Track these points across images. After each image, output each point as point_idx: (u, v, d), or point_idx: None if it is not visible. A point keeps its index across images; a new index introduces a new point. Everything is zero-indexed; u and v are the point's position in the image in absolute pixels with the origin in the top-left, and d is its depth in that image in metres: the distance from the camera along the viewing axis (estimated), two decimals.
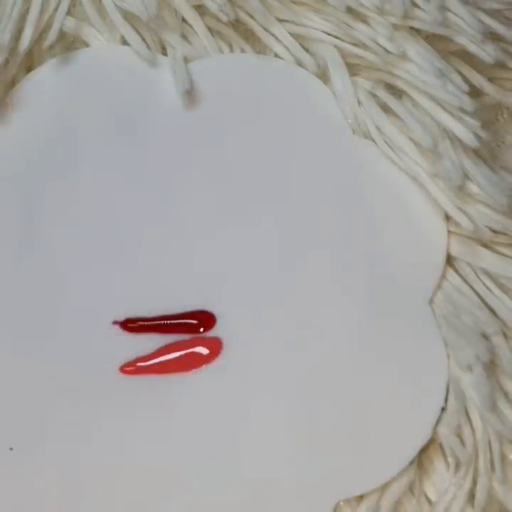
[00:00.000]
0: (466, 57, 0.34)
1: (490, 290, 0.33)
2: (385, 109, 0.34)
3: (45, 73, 0.35)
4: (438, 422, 0.32)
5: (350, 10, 0.34)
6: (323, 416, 0.32)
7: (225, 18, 0.34)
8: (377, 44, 0.34)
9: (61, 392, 0.32)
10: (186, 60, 0.35)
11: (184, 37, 0.35)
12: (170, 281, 0.34)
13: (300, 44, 0.35)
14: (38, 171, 0.34)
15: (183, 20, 0.35)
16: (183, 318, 0.33)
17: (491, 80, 0.35)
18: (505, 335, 0.32)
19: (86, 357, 0.33)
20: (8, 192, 0.34)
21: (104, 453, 0.32)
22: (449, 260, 0.34)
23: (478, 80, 0.35)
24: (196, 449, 0.32)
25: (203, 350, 0.33)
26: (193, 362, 0.33)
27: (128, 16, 0.35)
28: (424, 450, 0.32)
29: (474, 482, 0.31)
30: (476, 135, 0.32)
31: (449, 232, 0.34)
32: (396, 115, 0.34)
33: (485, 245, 0.33)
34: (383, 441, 0.32)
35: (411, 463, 0.31)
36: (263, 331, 0.33)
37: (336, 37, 0.35)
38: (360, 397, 0.32)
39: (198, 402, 0.32)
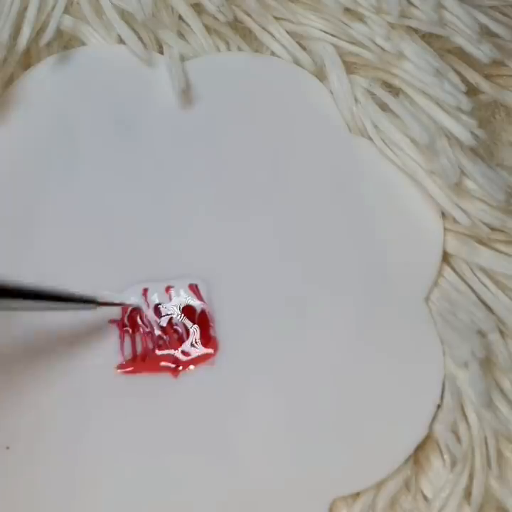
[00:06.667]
0: (463, 54, 0.34)
1: (486, 287, 0.33)
2: (383, 107, 0.34)
3: (42, 71, 0.35)
4: (434, 419, 0.32)
5: (347, 9, 0.34)
6: (320, 414, 0.32)
7: (223, 19, 0.35)
8: (374, 43, 0.34)
9: (58, 390, 0.32)
10: (183, 58, 0.35)
11: (181, 35, 0.35)
12: (167, 280, 0.34)
13: (297, 42, 0.35)
14: (36, 169, 0.34)
15: (180, 18, 0.35)
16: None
17: (487, 77, 0.35)
18: (501, 332, 0.32)
19: (83, 356, 0.33)
20: (7, 188, 0.34)
21: (101, 452, 0.32)
22: (446, 257, 0.34)
23: (475, 77, 0.35)
24: (194, 447, 0.32)
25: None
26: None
27: (125, 15, 0.35)
28: (420, 447, 0.32)
29: (471, 479, 0.31)
30: (472, 134, 0.33)
31: (445, 229, 0.34)
32: (393, 113, 0.34)
33: (482, 242, 0.33)
34: (379, 438, 0.32)
35: (407, 460, 0.31)
36: (260, 329, 0.33)
37: (333, 35, 0.35)
38: (356, 394, 0.32)
39: (195, 400, 0.32)
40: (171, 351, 0.33)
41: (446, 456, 0.32)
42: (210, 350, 0.33)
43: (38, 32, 0.35)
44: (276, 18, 0.35)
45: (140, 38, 0.35)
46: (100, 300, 0.32)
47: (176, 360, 0.33)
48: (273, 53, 0.36)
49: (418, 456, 0.32)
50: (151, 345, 0.33)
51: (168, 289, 0.33)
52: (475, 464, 0.31)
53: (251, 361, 0.33)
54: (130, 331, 0.33)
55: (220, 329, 0.33)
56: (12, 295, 0.29)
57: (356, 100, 0.35)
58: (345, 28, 0.34)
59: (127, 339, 0.33)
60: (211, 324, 0.33)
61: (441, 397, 0.32)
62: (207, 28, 0.35)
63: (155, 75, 0.35)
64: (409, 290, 0.33)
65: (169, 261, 0.34)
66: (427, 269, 0.33)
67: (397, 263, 0.34)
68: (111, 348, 0.33)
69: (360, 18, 0.34)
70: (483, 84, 0.35)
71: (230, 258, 0.34)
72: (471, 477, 0.31)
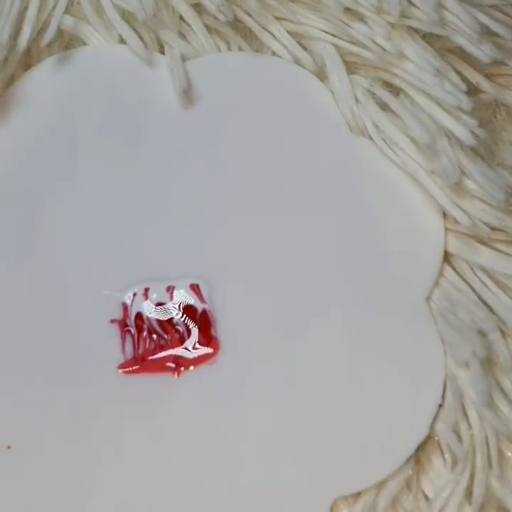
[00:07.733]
0: (463, 54, 0.34)
1: (487, 287, 0.33)
2: (383, 107, 0.34)
3: (43, 71, 0.35)
4: (435, 418, 0.32)
5: (347, 9, 0.34)
6: (321, 413, 0.32)
7: (223, 19, 0.35)
8: (375, 43, 0.34)
9: (59, 390, 0.32)
10: (184, 58, 0.35)
11: (182, 35, 0.35)
12: (168, 280, 0.34)
13: (298, 42, 0.35)
14: (37, 169, 0.34)
15: (181, 18, 0.35)
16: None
17: (488, 76, 0.35)
18: (501, 331, 0.32)
19: (84, 356, 0.33)
20: (8, 189, 0.34)
21: (102, 452, 0.32)
22: (447, 257, 0.34)
23: (476, 77, 0.35)
24: (194, 446, 0.32)
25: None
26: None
27: (125, 15, 0.35)
28: (421, 447, 0.32)
29: (472, 479, 0.31)
30: (473, 133, 0.33)
31: (446, 229, 0.34)
32: (394, 113, 0.34)
33: (482, 242, 0.33)
34: (380, 438, 0.32)
35: (408, 460, 0.31)
36: (261, 330, 0.33)
37: (334, 35, 0.35)
38: (358, 394, 0.32)
39: (196, 400, 0.32)
40: (172, 351, 0.33)
41: (447, 456, 0.32)
42: (211, 350, 0.33)
43: (39, 32, 0.35)
44: (276, 17, 0.35)
45: (141, 38, 0.35)
46: None
47: (176, 360, 0.33)
48: (274, 53, 0.35)
49: (419, 455, 0.32)
50: (152, 345, 0.33)
51: (169, 288, 0.33)
52: (476, 463, 0.31)
53: (252, 361, 0.33)
54: (131, 330, 0.33)
55: (221, 329, 0.33)
56: None
57: (357, 100, 0.35)
58: (345, 28, 0.34)
59: (128, 339, 0.33)
60: (212, 324, 0.33)
61: (443, 397, 0.32)
62: (207, 28, 0.35)
63: (156, 74, 0.35)
64: (410, 290, 0.33)
65: (170, 261, 0.34)
66: (428, 269, 0.33)
67: (397, 263, 0.34)
68: (112, 348, 0.33)
69: (361, 18, 0.34)
70: (484, 84, 0.35)
71: (232, 258, 0.34)
72: (472, 477, 0.31)
